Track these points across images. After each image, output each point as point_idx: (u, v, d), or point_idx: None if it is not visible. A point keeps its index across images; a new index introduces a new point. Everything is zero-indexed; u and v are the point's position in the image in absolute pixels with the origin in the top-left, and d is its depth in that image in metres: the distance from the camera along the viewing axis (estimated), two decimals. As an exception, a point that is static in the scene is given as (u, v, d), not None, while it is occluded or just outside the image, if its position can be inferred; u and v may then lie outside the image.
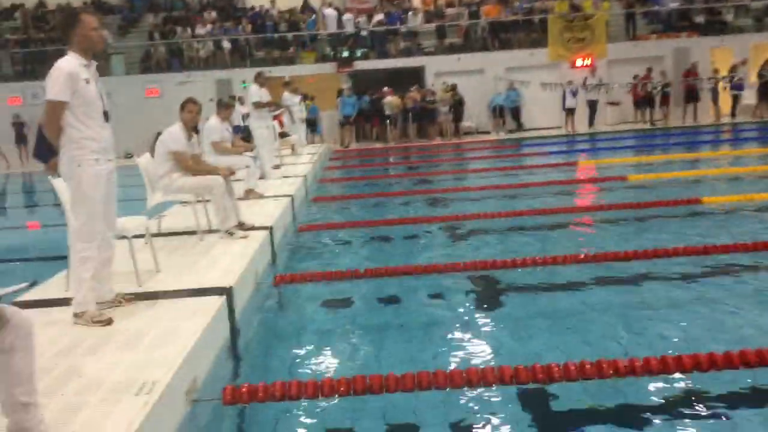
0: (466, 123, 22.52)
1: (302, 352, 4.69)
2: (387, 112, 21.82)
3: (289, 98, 16.03)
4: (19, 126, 22.27)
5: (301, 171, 12.77)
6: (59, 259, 5.42)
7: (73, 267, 4.48)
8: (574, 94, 21.64)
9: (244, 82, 19.60)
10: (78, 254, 4.43)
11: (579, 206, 9.94)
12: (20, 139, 22.32)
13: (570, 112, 21.82)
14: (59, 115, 4.32)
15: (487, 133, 22.69)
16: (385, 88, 21.98)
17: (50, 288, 5.33)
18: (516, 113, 22.71)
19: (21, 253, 9.11)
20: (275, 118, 13.96)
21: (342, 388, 3.67)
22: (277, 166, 12.97)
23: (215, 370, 4.25)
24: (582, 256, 6.44)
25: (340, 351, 4.68)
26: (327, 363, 4.44)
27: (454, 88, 21.99)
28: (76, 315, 4.46)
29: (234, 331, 4.97)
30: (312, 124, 21.61)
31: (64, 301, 4.66)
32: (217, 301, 4.79)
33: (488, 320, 5.16)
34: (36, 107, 20.22)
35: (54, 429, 2.83)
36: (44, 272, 5.67)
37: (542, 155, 16.27)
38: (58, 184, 4.78)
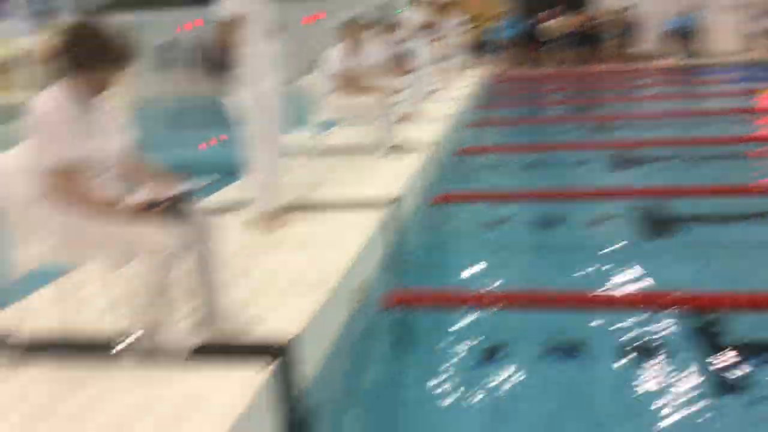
0: (638, 48, 21.12)
1: (459, 267, 4.74)
2: (550, 36, 20.92)
3: (447, 21, 15.77)
4: (198, 49, 23.59)
5: (459, 95, 12.64)
6: (232, 174, 5.78)
7: (247, 176, 4.77)
8: (760, 17, 19.66)
9: (400, 9, 19.48)
10: (250, 164, 4.71)
11: (760, 135, 9.13)
12: (198, 61, 23.69)
13: (755, 36, 19.88)
14: (234, 32, 4.51)
15: (661, 58, 21.20)
16: (549, 10, 21.00)
17: (226, 194, 5.73)
18: (694, 37, 20.98)
19: (198, 168, 9.76)
20: (433, 41, 13.80)
21: (503, 302, 3.70)
22: (434, 90, 12.91)
23: (377, 277, 4.41)
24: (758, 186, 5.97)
25: (496, 268, 4.67)
26: (483, 279, 4.46)
27: (626, 9, 20.63)
28: (249, 220, 4.78)
29: (394, 244, 5.12)
30: (484, 47, 21.24)
31: (239, 206, 5.00)
32: (379, 214, 4.94)
33: (653, 248, 4.94)
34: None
35: (232, 317, 3.07)
36: (219, 184, 6.07)
37: (721, 82, 15.03)
38: (231, 100, 5.04)
